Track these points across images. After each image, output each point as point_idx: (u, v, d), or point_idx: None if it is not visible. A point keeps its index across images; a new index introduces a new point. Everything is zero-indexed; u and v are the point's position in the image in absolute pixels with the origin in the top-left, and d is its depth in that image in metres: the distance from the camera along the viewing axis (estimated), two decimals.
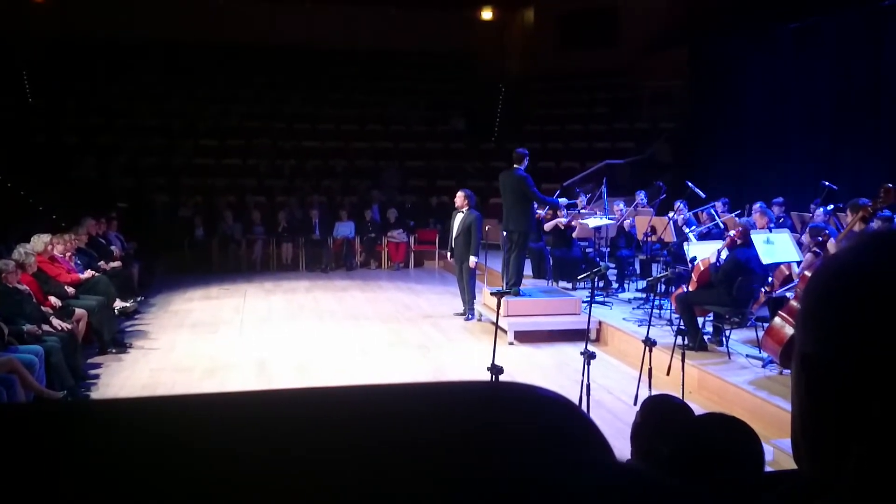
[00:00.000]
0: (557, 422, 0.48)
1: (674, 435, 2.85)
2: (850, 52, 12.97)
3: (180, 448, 0.43)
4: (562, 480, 0.41)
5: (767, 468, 2.24)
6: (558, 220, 11.62)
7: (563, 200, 11.53)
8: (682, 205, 11.01)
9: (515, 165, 9.81)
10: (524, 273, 10.46)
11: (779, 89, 14.64)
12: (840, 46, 13.23)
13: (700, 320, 8.33)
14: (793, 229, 9.96)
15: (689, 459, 2.06)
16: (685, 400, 5.70)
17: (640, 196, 12.64)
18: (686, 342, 6.38)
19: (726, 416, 2.26)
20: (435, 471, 0.43)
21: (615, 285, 11.60)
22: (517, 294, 9.81)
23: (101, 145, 17.27)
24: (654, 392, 5.02)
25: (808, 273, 7.16)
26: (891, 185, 6.96)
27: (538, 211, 11.34)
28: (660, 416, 2.99)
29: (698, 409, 6.37)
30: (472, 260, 10.28)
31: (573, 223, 11.81)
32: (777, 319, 6.95)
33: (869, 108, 12.61)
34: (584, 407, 5.60)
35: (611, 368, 8.23)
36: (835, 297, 0.63)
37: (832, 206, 9.92)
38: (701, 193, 11.13)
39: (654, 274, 10.63)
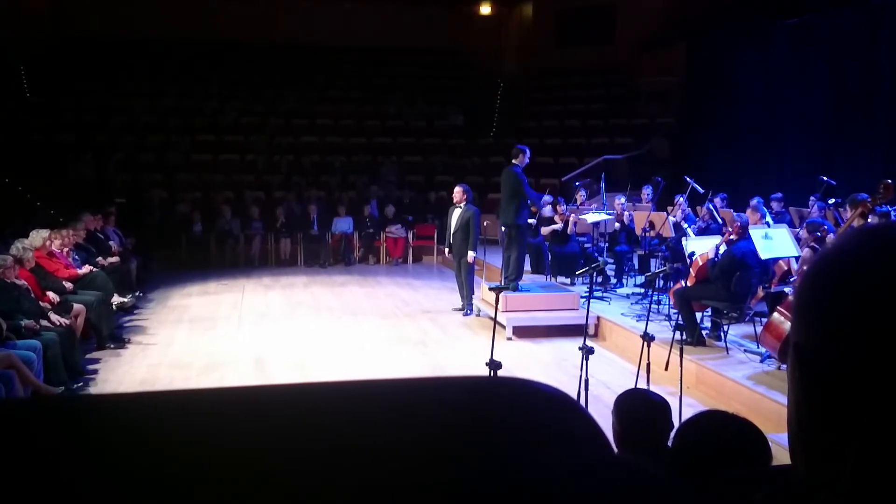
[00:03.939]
0: (556, 417, 0.48)
1: (658, 431, 2.85)
2: (846, 49, 12.98)
3: (179, 443, 0.43)
4: (561, 475, 0.41)
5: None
6: (554, 226, 11.80)
7: (546, 198, 11.53)
8: (682, 199, 11.00)
9: (514, 161, 9.90)
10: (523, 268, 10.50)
11: (775, 85, 14.64)
12: (835, 43, 13.25)
13: (698, 315, 8.34)
14: (791, 224, 9.97)
15: (692, 456, 2.06)
16: (683, 395, 5.72)
17: (647, 191, 12.63)
18: (684, 337, 6.38)
19: (729, 414, 2.26)
20: (434, 465, 0.43)
21: (613, 280, 11.61)
22: (515, 289, 9.82)
23: (98, 142, 17.25)
24: (651, 387, 5.02)
25: (805, 268, 7.16)
26: (890, 181, 6.98)
27: (540, 204, 11.36)
28: (634, 416, 2.98)
29: (696, 405, 6.40)
30: (471, 255, 10.28)
31: (571, 217, 11.84)
32: (775, 315, 6.95)
33: (864, 103, 12.63)
34: (582, 402, 5.61)
35: (609, 363, 8.24)
36: (828, 287, 0.63)
37: (833, 201, 9.92)
38: (699, 189, 11.14)
39: (652, 269, 10.63)
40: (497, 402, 0.48)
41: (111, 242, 11.83)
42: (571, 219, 11.87)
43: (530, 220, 11.15)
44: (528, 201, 10.16)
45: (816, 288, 0.64)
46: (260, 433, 0.43)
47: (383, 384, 0.49)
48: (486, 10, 22.60)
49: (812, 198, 10.74)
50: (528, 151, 10.03)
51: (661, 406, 3.03)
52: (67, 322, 7.68)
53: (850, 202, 7.44)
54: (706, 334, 8.25)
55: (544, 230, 12.13)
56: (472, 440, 0.44)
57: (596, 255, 11.46)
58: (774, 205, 11.03)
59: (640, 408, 3.01)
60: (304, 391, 0.48)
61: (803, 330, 0.65)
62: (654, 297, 8.65)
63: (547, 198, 11.61)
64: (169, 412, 0.45)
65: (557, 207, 12.23)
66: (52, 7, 19.32)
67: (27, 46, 18.53)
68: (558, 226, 11.88)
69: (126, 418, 0.45)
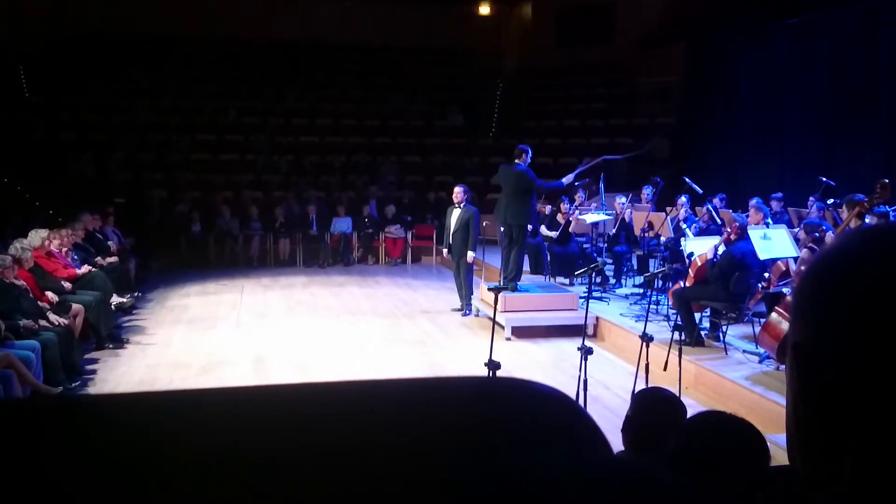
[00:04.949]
0: (555, 417, 0.48)
1: (671, 430, 2.86)
2: (847, 48, 12.98)
3: (178, 444, 0.43)
4: (559, 476, 0.41)
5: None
6: (551, 233, 11.77)
7: (566, 178, 10.47)
8: (685, 199, 10.99)
9: (517, 161, 9.84)
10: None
11: (775, 85, 14.65)
12: (836, 42, 13.24)
13: (697, 316, 8.34)
14: (790, 225, 9.97)
15: (689, 457, 2.06)
16: (682, 395, 5.71)
17: (647, 191, 12.63)
18: (683, 338, 6.38)
19: (728, 414, 2.27)
20: (433, 465, 0.43)
21: (612, 281, 11.60)
22: (514, 289, 9.82)
23: (97, 141, 17.25)
24: (653, 386, 5.02)
25: (804, 269, 7.17)
26: (887, 181, 6.99)
27: (561, 183, 11.20)
28: (652, 410, 3.01)
29: (695, 405, 6.40)
30: (470, 255, 10.28)
31: (570, 218, 11.85)
32: (774, 315, 6.96)
33: (865, 103, 12.62)
34: (581, 402, 5.61)
35: (608, 364, 8.24)
36: (827, 288, 0.63)
37: (831, 202, 9.92)
38: (698, 189, 11.13)
39: (651, 269, 10.63)
40: (496, 402, 0.49)
41: (110, 242, 11.83)
42: (572, 219, 11.88)
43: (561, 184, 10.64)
44: (550, 192, 9.89)
45: (815, 288, 0.64)
46: (260, 433, 0.43)
47: (383, 384, 0.49)
48: (485, 9, 22.60)
49: (811, 198, 10.74)
50: (530, 151, 9.97)
51: (679, 406, 3.07)
52: (66, 322, 7.67)
53: (846, 202, 7.46)
54: (705, 335, 8.26)
55: (543, 232, 12.12)
56: (471, 440, 0.44)
57: (595, 255, 11.46)
58: (774, 205, 11.03)
59: (658, 403, 3.05)
60: (303, 391, 0.48)
61: (801, 330, 0.65)
62: (653, 298, 8.66)
63: (567, 178, 10.78)
64: (168, 412, 0.45)
65: (562, 206, 12.22)
66: (52, 6, 19.30)
67: (26, 45, 18.52)
68: (554, 234, 11.89)
69: (124, 419, 0.45)
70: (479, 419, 0.46)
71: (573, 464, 0.43)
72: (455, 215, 10.32)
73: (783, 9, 14.28)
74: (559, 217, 12.13)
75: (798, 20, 14.05)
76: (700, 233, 10.13)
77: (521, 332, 9.42)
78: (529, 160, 9.92)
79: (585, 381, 5.82)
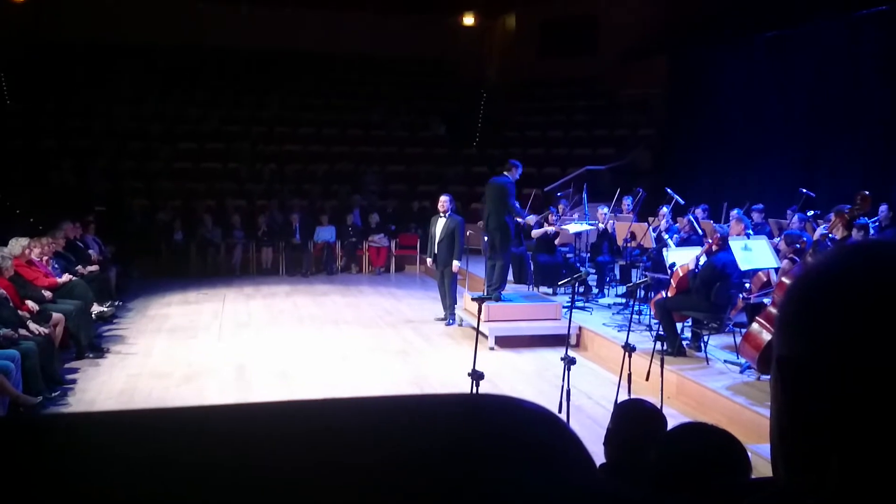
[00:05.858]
0: (540, 436, 0.48)
1: (651, 442, 2.86)
2: (827, 61, 13.11)
3: (163, 463, 0.42)
4: (541, 499, 0.41)
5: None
6: (546, 228, 11.73)
7: (531, 218, 11.22)
8: (666, 209, 11.06)
9: (505, 173, 9.94)
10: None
11: (756, 98, 14.76)
12: (816, 55, 13.37)
13: (679, 326, 8.38)
14: (770, 236, 10.04)
15: (671, 469, 2.07)
16: (664, 405, 5.73)
17: (628, 202, 12.70)
18: (665, 348, 6.41)
19: (708, 425, 2.28)
20: (418, 485, 0.43)
21: (595, 291, 11.64)
22: (498, 299, 9.83)
23: (78, 149, 17.12)
24: (633, 398, 5.04)
25: (785, 279, 7.23)
26: (867, 193, 7.08)
27: (524, 216, 11.33)
28: (633, 422, 3.01)
29: (677, 415, 6.42)
30: (456, 264, 10.28)
31: (555, 229, 11.86)
32: (754, 325, 7.00)
33: (845, 116, 12.74)
34: (563, 413, 5.61)
35: (591, 374, 8.25)
36: (813, 302, 0.63)
37: (811, 213, 10.02)
38: (680, 200, 11.20)
39: (633, 280, 10.68)
40: (482, 420, 0.48)
41: (91, 251, 11.73)
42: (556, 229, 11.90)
43: (519, 220, 10.94)
44: (512, 214, 10.14)
45: (800, 302, 0.65)
46: (242, 452, 0.43)
47: (367, 402, 0.49)
48: (469, 20, 22.66)
49: (790, 210, 10.83)
50: (520, 167, 10.08)
51: (659, 417, 3.08)
52: (46, 331, 7.60)
53: (836, 212, 7.59)
54: (686, 345, 8.29)
55: (535, 233, 12.10)
56: (455, 461, 0.44)
57: (578, 265, 11.49)
58: (755, 216, 11.12)
59: (639, 415, 3.05)
60: (286, 409, 0.48)
61: (787, 343, 0.65)
62: (636, 308, 8.69)
63: (531, 218, 11.40)
64: (146, 431, 0.45)
65: (549, 217, 12.24)
66: (34, 12, 19.17)
67: (7, 52, 18.38)
68: (550, 229, 11.84)
69: (103, 440, 0.44)
70: (464, 439, 0.46)
71: (555, 488, 0.43)
72: (440, 224, 10.32)
73: (764, 22, 14.41)
74: (546, 226, 12.15)
75: (779, 33, 14.18)
76: (681, 243, 10.18)
77: (505, 342, 9.42)
78: (518, 176, 10.02)
79: (568, 392, 5.82)
